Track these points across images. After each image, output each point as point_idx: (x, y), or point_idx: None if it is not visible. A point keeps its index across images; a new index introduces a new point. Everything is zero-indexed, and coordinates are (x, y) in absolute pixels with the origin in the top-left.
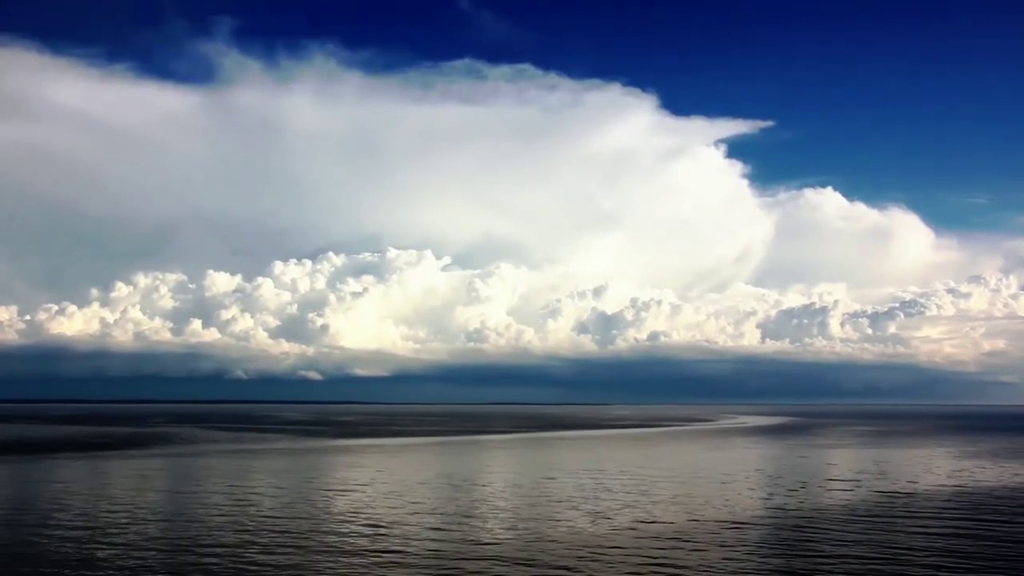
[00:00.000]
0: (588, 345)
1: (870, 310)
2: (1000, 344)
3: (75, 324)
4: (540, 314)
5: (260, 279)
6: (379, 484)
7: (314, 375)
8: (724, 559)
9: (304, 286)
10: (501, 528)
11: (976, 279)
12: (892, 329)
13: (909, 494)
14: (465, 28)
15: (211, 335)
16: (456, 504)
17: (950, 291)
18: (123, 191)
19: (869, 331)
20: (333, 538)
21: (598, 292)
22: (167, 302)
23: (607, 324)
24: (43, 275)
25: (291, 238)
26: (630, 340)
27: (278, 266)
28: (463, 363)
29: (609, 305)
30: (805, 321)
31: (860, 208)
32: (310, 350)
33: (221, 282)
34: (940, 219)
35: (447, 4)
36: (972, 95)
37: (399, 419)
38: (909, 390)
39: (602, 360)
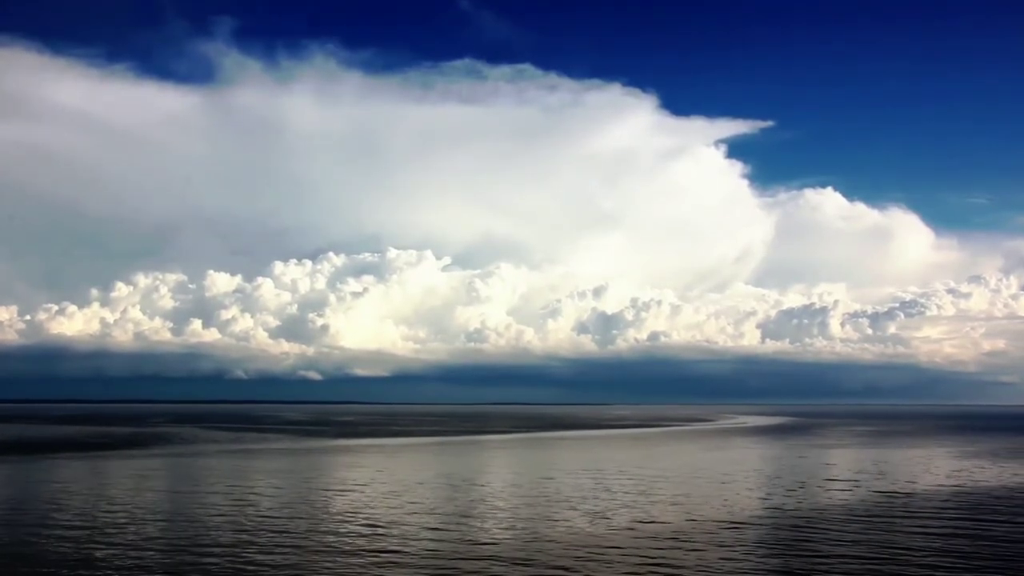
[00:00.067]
0: (588, 345)
1: (870, 310)
2: (1000, 344)
3: (75, 324)
4: (540, 314)
5: (260, 279)
6: (378, 484)
7: (314, 375)
8: (722, 559)
9: (304, 286)
10: (499, 528)
11: (976, 279)
12: (892, 329)
13: (908, 494)
14: (465, 28)
15: (211, 335)
16: (454, 504)
17: (950, 291)
18: (123, 191)
19: (869, 331)
20: (331, 538)
21: (598, 292)
22: (167, 302)
23: (607, 324)
24: (43, 275)
25: (291, 238)
26: (630, 340)
27: (278, 266)
28: (463, 363)
29: (609, 305)
30: (805, 321)
31: (860, 208)
32: (310, 350)
33: (221, 282)
34: (940, 219)
35: (447, 4)
36: (972, 95)
37: (399, 419)
38: (909, 390)
39: (602, 360)
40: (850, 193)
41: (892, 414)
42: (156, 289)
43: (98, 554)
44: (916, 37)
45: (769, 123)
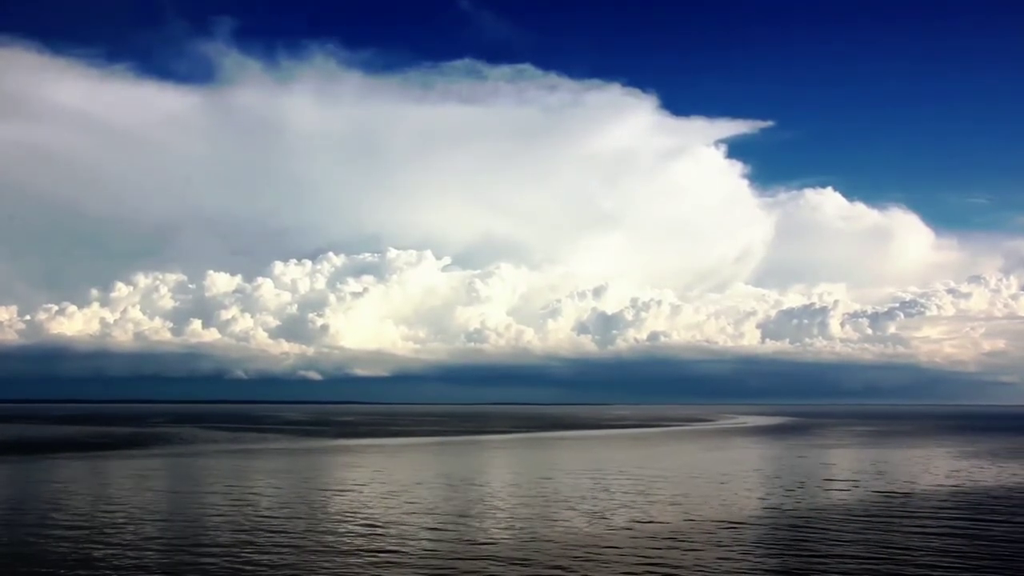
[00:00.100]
0: (588, 345)
1: (870, 310)
2: (1000, 344)
3: (75, 324)
4: (540, 314)
5: (260, 279)
6: (377, 484)
7: (314, 375)
8: (720, 559)
9: (304, 286)
10: (497, 528)
11: (976, 279)
12: (892, 329)
13: (907, 494)
14: (465, 28)
15: (211, 335)
16: (453, 504)
17: (950, 291)
18: (123, 191)
19: (869, 331)
20: (330, 538)
21: (598, 292)
22: (167, 302)
23: (607, 324)
24: (43, 275)
25: (291, 238)
26: (630, 340)
27: (278, 266)
28: (463, 363)
29: (609, 305)
30: (805, 321)
31: (860, 208)
32: (310, 350)
33: (221, 282)
34: (940, 219)
35: (447, 4)
36: (972, 95)
37: (399, 419)
38: (909, 390)
39: (602, 360)
40: (850, 193)
41: (892, 414)
42: (156, 289)
43: (97, 554)
44: (916, 37)
45: (769, 123)
